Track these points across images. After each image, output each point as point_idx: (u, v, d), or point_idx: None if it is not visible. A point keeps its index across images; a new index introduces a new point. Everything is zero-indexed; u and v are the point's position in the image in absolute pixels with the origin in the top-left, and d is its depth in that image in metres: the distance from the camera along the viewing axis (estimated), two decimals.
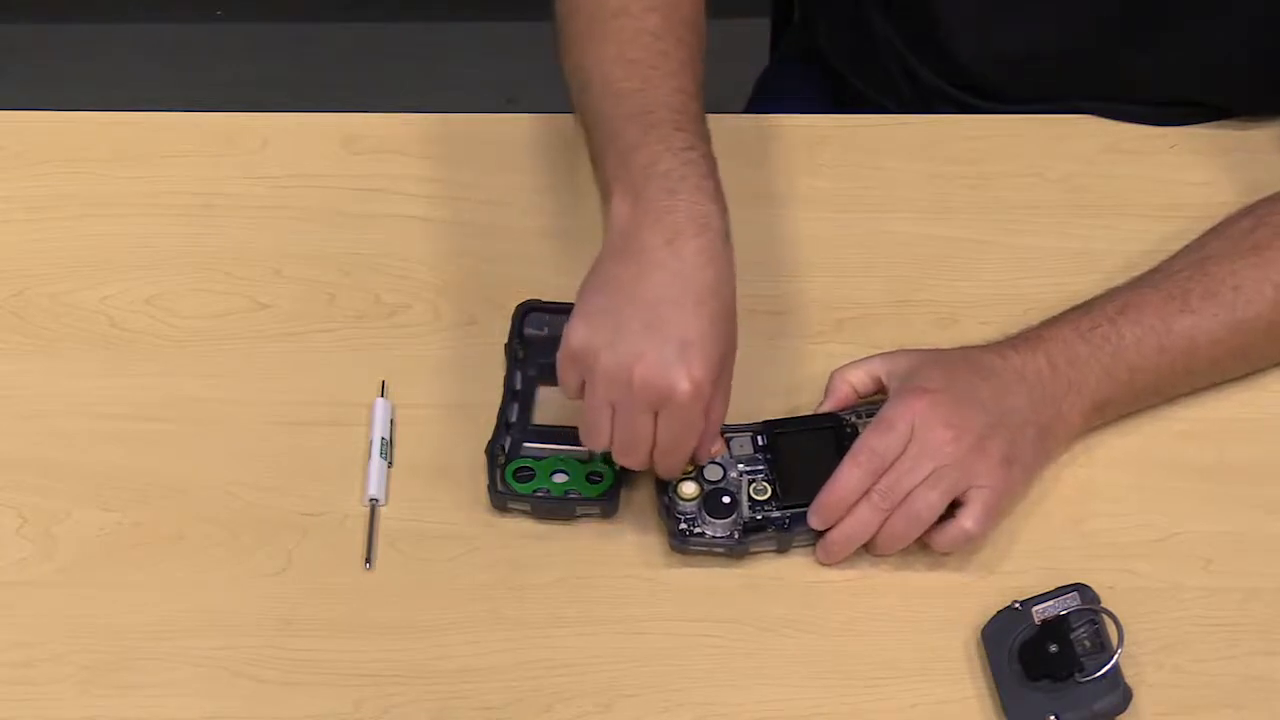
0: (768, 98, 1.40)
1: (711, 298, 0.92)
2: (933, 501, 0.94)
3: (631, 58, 1.01)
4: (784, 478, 0.97)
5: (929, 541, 0.95)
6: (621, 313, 0.91)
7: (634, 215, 0.94)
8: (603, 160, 0.99)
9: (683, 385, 0.90)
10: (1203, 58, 1.13)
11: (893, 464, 0.94)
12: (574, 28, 1.05)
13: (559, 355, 0.93)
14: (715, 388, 0.93)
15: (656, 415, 0.91)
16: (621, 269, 0.93)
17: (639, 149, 0.96)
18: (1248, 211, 1.04)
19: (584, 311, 0.92)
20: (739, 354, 0.99)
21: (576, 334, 0.92)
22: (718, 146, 0.99)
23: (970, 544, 0.96)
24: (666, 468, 0.95)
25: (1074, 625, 0.92)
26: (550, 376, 1.03)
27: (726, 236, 0.94)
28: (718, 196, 0.95)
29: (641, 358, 0.90)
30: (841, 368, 1.00)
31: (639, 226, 0.93)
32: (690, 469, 0.97)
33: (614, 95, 1.00)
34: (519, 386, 1.03)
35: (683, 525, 0.96)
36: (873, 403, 0.99)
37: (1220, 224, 1.04)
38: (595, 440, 0.93)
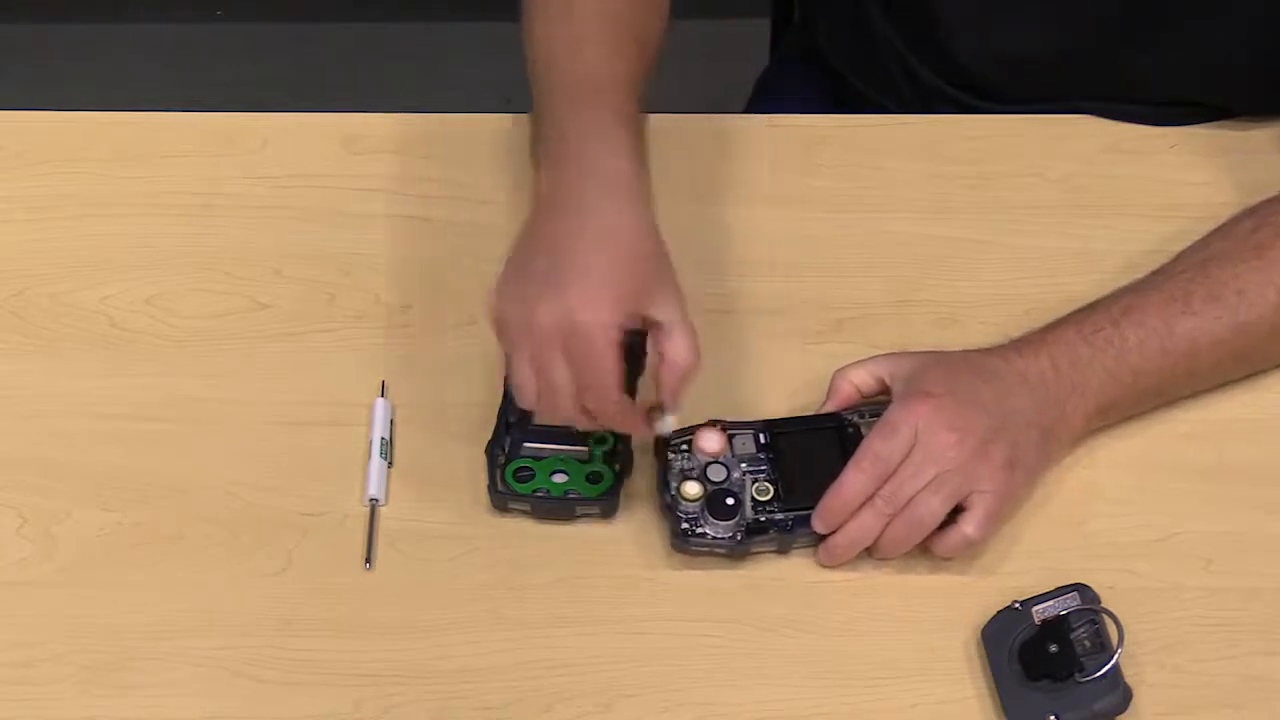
0: (768, 98, 1.40)
1: (615, 237, 0.92)
2: (935, 507, 0.94)
3: (578, 34, 1.02)
4: (787, 478, 0.97)
5: (930, 547, 0.95)
6: (527, 267, 0.92)
7: (554, 181, 0.95)
8: (535, 133, 1.00)
9: (581, 316, 0.89)
10: (1203, 58, 1.13)
11: (896, 469, 0.94)
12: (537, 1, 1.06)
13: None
14: (653, 327, 0.92)
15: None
16: (533, 228, 0.94)
17: (567, 119, 0.97)
18: (1250, 212, 1.04)
19: (498, 279, 0.93)
20: (738, 353, 1.00)
21: (491, 301, 0.92)
22: (718, 146, 1.00)
23: (971, 549, 0.96)
24: (602, 414, 0.92)
25: (1074, 625, 0.92)
26: None
27: (644, 196, 0.95)
28: (635, 158, 0.96)
29: (541, 298, 0.90)
30: (844, 368, 1.00)
31: (557, 189, 0.94)
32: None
33: (555, 69, 1.01)
34: None
35: (684, 525, 0.96)
36: (875, 403, 0.99)
37: (1223, 225, 1.04)
38: (523, 397, 0.93)
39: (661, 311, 0.92)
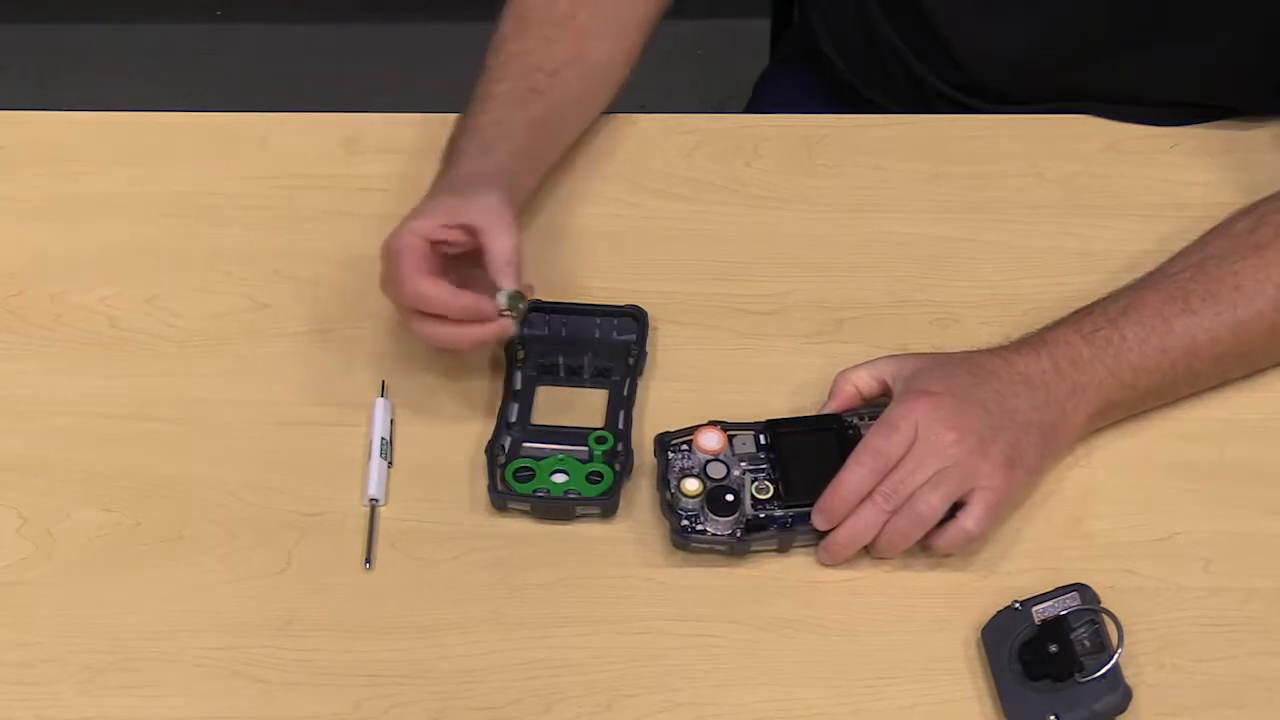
0: (768, 98, 1.40)
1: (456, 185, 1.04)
2: (935, 502, 0.94)
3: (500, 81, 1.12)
4: (787, 477, 0.97)
5: (929, 543, 0.95)
6: None
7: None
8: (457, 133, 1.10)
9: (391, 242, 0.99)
10: (1203, 59, 1.13)
11: (896, 465, 0.94)
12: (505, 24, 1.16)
13: None
14: (478, 232, 0.99)
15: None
16: None
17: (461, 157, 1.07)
18: (1248, 211, 1.04)
19: None
20: (738, 353, 0.99)
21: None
22: (718, 146, 1.00)
23: (970, 545, 0.96)
24: (423, 302, 0.98)
25: (1074, 625, 0.92)
26: (550, 376, 1.04)
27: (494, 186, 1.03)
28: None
29: None
30: (846, 370, 1.00)
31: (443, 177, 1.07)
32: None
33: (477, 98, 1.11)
34: (519, 386, 1.03)
35: (684, 522, 0.96)
36: (876, 405, 0.99)
37: (1221, 224, 1.04)
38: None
39: (479, 219, 0.99)
